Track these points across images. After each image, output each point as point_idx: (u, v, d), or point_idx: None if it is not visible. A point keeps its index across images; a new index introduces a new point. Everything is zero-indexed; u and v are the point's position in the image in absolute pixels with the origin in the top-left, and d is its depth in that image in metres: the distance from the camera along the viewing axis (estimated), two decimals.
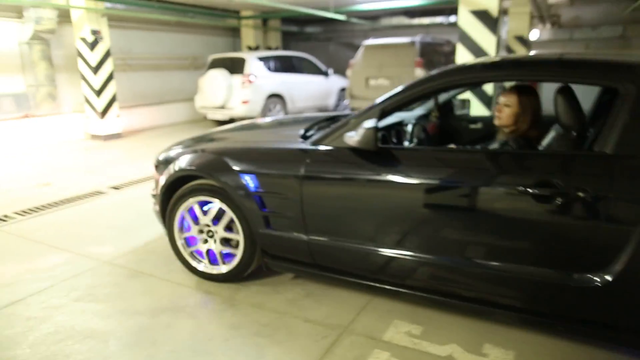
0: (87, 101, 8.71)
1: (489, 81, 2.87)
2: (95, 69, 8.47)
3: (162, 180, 2.86)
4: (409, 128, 2.94)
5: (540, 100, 2.39)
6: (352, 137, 2.17)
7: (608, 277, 1.76)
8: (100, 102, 8.62)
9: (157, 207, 3.00)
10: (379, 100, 2.31)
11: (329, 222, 2.34)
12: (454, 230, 2.09)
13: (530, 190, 1.84)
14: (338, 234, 2.33)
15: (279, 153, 2.52)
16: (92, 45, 8.34)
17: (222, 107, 9.62)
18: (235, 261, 2.71)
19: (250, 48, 12.91)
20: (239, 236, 2.65)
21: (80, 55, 8.52)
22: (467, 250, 2.06)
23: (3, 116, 8.37)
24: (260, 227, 2.50)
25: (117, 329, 2.43)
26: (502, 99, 2.40)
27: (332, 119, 3.11)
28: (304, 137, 2.60)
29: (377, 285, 2.34)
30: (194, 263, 2.86)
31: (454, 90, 3.05)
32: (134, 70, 10.75)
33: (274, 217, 2.47)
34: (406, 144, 2.90)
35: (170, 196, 2.84)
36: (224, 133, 3.22)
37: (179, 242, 2.86)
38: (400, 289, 2.29)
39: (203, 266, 2.84)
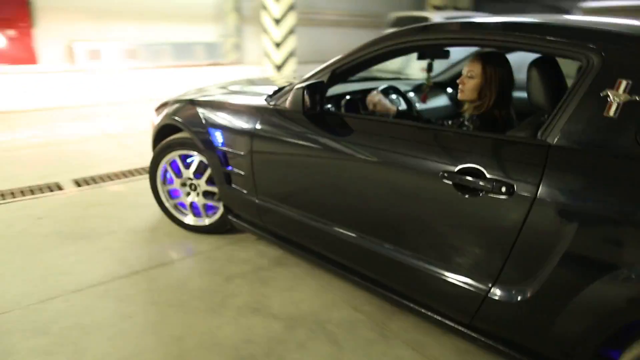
0: (266, 54, 8.83)
1: (448, 45, 2.23)
2: (278, 22, 8.45)
3: (155, 124, 2.98)
4: (393, 96, 2.74)
5: (511, 72, 2.00)
6: (286, 98, 2.12)
7: (528, 293, 1.48)
8: (279, 56, 8.65)
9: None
10: (331, 60, 2.10)
11: (269, 183, 2.32)
12: (373, 208, 1.91)
13: (451, 178, 1.58)
14: (276, 196, 2.31)
15: (238, 109, 2.47)
16: None
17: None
18: (217, 214, 2.76)
19: (436, 7, 11.75)
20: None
21: (264, 7, 8.56)
22: (384, 233, 1.90)
23: (196, 62, 9.00)
24: (223, 184, 2.52)
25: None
26: (465, 69, 2.04)
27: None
28: (271, 96, 2.42)
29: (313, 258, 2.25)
30: (178, 215, 2.90)
31: (413, 53, 2.26)
32: (315, 26, 10.61)
33: (233, 175, 2.47)
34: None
35: (158, 143, 2.93)
36: (218, 87, 3.09)
37: (162, 194, 2.91)
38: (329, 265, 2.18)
39: (188, 218, 2.87)
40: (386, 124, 1.96)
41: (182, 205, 2.87)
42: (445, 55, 2.46)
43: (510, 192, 1.45)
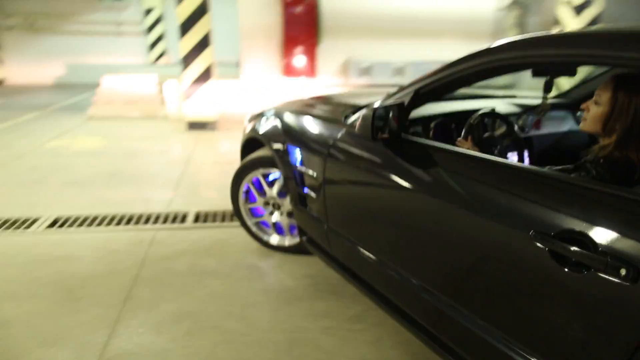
0: None
1: (578, 63, 1.54)
2: None
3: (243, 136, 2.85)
4: (501, 123, 2.15)
5: None
6: (355, 120, 1.89)
7: None
8: None
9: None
10: (416, 78, 1.75)
11: (339, 211, 2.06)
12: (441, 259, 1.55)
13: (545, 242, 1.17)
14: (345, 227, 2.04)
15: (315, 126, 2.26)
16: (579, 10, 6.85)
17: None
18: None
19: None
20: None
21: (558, 22, 7.23)
22: (460, 295, 1.50)
23: None
24: (297, 205, 2.34)
25: None
26: (595, 94, 1.51)
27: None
28: (348, 116, 2.15)
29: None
30: (260, 234, 2.75)
31: (522, 70, 1.63)
32: None
33: (307, 197, 2.25)
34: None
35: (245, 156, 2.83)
36: (309, 100, 2.83)
37: (244, 212, 2.74)
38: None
39: (272, 238, 2.73)
40: (477, 160, 1.52)
41: (265, 224, 2.75)
42: (572, 72, 1.88)
43: (633, 277, 1.01)
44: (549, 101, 2.18)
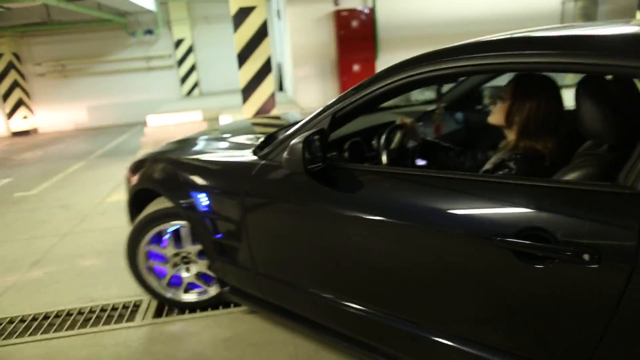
0: None
1: (482, 72, 1.71)
2: None
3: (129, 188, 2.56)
4: (383, 137, 2.08)
5: (559, 99, 1.61)
6: (284, 156, 1.67)
7: None
8: None
9: None
10: (328, 104, 1.76)
11: (270, 252, 1.99)
12: (396, 282, 1.57)
13: (508, 244, 1.22)
14: (281, 268, 1.96)
15: (222, 166, 2.17)
16: None
17: None
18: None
19: None
20: None
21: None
22: (427, 314, 1.54)
23: None
24: (214, 255, 2.18)
25: None
26: (503, 91, 1.73)
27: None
28: (261, 147, 2.10)
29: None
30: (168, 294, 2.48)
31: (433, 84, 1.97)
32: None
33: (224, 244, 2.12)
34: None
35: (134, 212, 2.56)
36: (201, 138, 2.67)
37: (146, 274, 2.45)
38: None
39: (188, 296, 2.50)
40: (412, 176, 1.57)
41: (176, 282, 2.45)
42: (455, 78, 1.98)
43: (595, 259, 1.11)
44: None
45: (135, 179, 2.49)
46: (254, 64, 5.41)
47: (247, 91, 5.48)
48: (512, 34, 1.50)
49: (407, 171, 1.65)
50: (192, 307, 2.48)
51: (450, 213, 1.37)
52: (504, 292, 1.32)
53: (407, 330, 1.56)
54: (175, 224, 2.31)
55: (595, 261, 1.10)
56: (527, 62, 1.31)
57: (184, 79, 11.39)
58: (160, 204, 2.34)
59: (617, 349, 1.16)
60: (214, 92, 11.35)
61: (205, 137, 2.72)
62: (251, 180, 1.91)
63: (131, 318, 2.47)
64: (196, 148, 2.48)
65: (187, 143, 2.62)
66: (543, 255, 1.18)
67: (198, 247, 2.32)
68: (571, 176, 1.34)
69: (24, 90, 10.91)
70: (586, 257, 1.11)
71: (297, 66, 7.14)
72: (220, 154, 2.31)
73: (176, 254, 2.38)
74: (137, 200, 2.53)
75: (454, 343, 1.45)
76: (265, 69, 5.50)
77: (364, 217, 1.56)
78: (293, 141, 1.61)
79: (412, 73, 1.53)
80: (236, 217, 1.99)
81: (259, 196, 1.90)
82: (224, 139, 2.66)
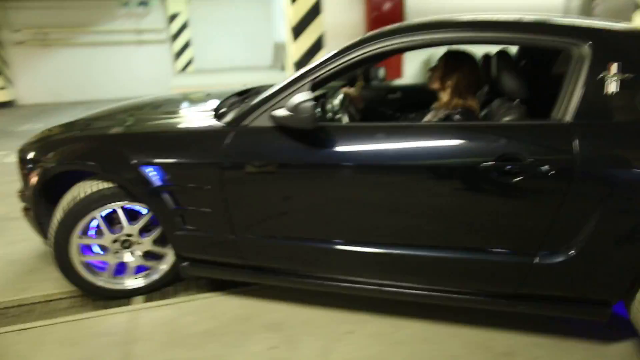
0: None
1: (434, 44, 1.99)
2: None
3: (35, 178, 2.30)
4: (336, 101, 2.49)
5: (477, 66, 2.22)
6: (284, 114, 1.83)
7: (572, 252, 1.75)
8: None
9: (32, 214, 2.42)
10: (303, 70, 2.00)
11: (256, 215, 2.05)
12: (409, 215, 1.91)
13: (494, 166, 1.72)
14: (268, 228, 2.07)
15: (186, 136, 2.17)
16: None
17: None
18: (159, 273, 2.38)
19: None
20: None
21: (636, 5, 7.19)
22: (425, 237, 1.92)
23: None
24: (174, 229, 2.13)
25: None
26: (437, 61, 2.28)
27: (241, 94, 2.72)
28: (217, 116, 2.21)
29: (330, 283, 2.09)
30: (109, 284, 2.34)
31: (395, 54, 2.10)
32: None
33: (189, 216, 2.11)
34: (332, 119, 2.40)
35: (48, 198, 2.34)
36: (117, 113, 2.66)
37: (79, 266, 2.27)
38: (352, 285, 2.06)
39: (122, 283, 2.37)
40: (405, 127, 2.04)
41: (101, 268, 2.33)
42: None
43: (550, 170, 1.68)
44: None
45: (47, 161, 2.25)
46: (308, 38, 5.45)
47: (300, 65, 5.52)
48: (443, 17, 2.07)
49: (395, 124, 2.20)
50: (141, 292, 2.37)
51: (442, 151, 1.84)
52: (487, 204, 1.81)
53: (415, 254, 1.93)
54: (109, 207, 2.19)
55: (550, 171, 1.67)
56: (449, 37, 1.89)
57: (177, 55, 11.01)
58: (93, 186, 2.17)
59: (560, 234, 1.75)
60: (208, 70, 11.08)
61: (125, 111, 2.68)
62: (228, 147, 1.97)
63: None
64: (130, 122, 2.44)
65: (107, 119, 2.59)
66: (516, 172, 1.70)
67: (138, 225, 2.24)
68: (508, 119, 1.93)
69: (0, 58, 10.09)
70: (545, 168, 1.67)
71: (326, 45, 7.21)
72: (170, 124, 2.36)
73: (115, 240, 2.26)
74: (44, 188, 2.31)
75: (448, 254, 1.90)
76: (317, 45, 5.55)
77: (367, 164, 1.87)
78: (297, 101, 1.78)
79: (381, 45, 1.91)
80: (209, 185, 2.01)
81: (242, 161, 1.96)
82: (156, 111, 2.69)
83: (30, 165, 2.34)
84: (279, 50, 10.44)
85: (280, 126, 1.90)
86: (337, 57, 1.95)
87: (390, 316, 2.17)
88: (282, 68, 10.01)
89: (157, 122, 2.44)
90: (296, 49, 5.46)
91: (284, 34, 5.74)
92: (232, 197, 2.00)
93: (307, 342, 2.02)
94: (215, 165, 1.98)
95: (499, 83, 2.05)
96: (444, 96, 2.25)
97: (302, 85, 1.95)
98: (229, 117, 2.09)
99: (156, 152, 2.10)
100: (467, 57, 2.24)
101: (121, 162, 2.10)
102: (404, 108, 2.91)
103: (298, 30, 5.40)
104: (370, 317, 2.17)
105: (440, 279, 1.97)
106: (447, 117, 2.14)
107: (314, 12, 5.40)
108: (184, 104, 2.90)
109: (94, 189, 2.16)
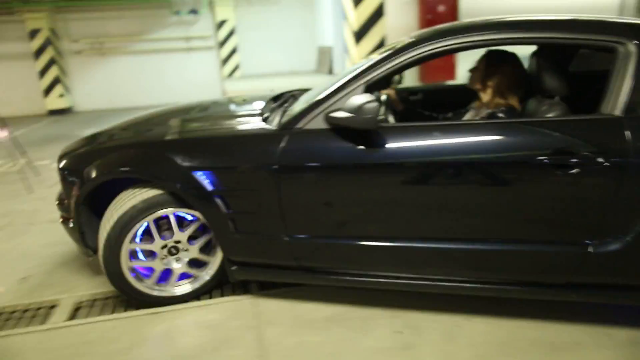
0: None
1: (486, 45, 2.05)
2: None
3: (79, 187, 2.27)
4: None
5: (519, 65, 2.25)
6: (345, 116, 1.87)
7: (628, 239, 1.81)
8: None
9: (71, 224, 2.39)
10: (355, 72, 2.02)
11: (312, 216, 2.07)
12: (470, 210, 1.95)
13: (549, 160, 1.80)
14: (324, 229, 2.08)
15: (237, 141, 2.15)
16: None
17: None
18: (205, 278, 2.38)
19: None
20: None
21: None
22: (487, 231, 1.97)
23: None
24: (227, 233, 2.14)
25: None
26: (476, 62, 2.34)
27: (276, 99, 2.78)
28: (263, 121, 2.27)
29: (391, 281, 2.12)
30: (157, 292, 2.33)
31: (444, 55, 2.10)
32: None
33: (240, 219, 2.13)
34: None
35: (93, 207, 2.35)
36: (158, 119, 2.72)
37: (129, 276, 2.25)
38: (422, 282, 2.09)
39: (181, 288, 2.36)
40: (456, 126, 2.00)
41: (165, 277, 2.32)
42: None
43: (605, 161, 1.75)
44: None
45: (94, 170, 2.21)
46: (370, 42, 5.56)
47: None
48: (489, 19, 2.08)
49: (452, 123, 2.09)
50: (185, 299, 2.35)
51: (500, 146, 1.87)
52: (543, 197, 1.86)
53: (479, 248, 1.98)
54: (160, 214, 2.17)
55: (604, 163, 1.75)
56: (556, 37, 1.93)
57: (225, 61, 11.32)
58: (143, 193, 2.17)
59: (615, 223, 1.81)
60: (253, 75, 11.34)
61: (166, 117, 2.70)
62: (285, 150, 2.00)
63: None
64: (177, 128, 2.43)
65: (149, 124, 2.62)
66: (572, 164, 1.77)
67: (188, 232, 2.25)
68: (553, 115, 1.96)
69: (60, 67, 10.61)
70: (600, 160, 1.75)
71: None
72: (221, 128, 2.35)
73: (163, 246, 2.25)
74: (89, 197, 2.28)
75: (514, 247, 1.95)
76: (379, 48, 5.65)
77: (429, 161, 1.91)
78: (360, 102, 1.82)
79: (439, 45, 1.96)
80: (264, 187, 2.02)
81: (299, 163, 1.99)
82: (200, 116, 2.70)
83: (74, 175, 2.29)
84: (323, 54, 10.60)
85: (337, 128, 1.95)
86: (392, 57, 1.98)
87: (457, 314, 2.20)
88: (330, 72, 10.16)
89: (206, 126, 2.47)
90: (358, 53, 5.57)
91: (347, 37, 5.84)
92: (288, 199, 2.02)
93: (429, 329, 2.11)
94: (272, 168, 2.00)
95: (540, 81, 2.08)
96: (485, 96, 2.29)
97: (357, 87, 1.98)
98: (278, 121, 2.16)
99: (209, 157, 2.11)
100: (509, 56, 2.25)
101: (174, 169, 2.09)
102: (432, 109, 2.89)
103: (360, 34, 5.51)
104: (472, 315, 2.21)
105: (502, 271, 2.01)
106: (492, 116, 2.17)
107: (376, 15, 5.50)
108: (228, 108, 2.92)
109: (146, 196, 2.16)
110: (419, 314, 2.20)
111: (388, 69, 1.98)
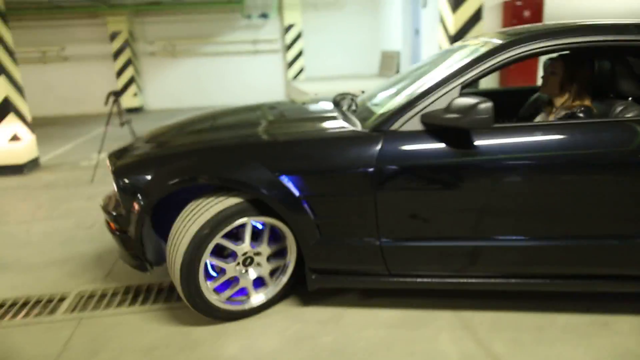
0: None
1: (587, 47, 2.02)
2: None
3: (140, 195, 2.08)
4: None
5: (593, 69, 2.33)
6: (453, 117, 1.83)
7: None
8: None
9: (132, 230, 2.14)
10: (447, 73, 2.00)
11: (412, 219, 2.01)
12: (572, 206, 1.98)
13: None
14: (425, 232, 2.03)
15: (327, 143, 2.05)
16: None
17: None
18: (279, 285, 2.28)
19: None
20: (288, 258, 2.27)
21: None
22: (588, 226, 2.01)
23: None
24: (313, 239, 2.05)
25: None
26: (549, 68, 2.33)
27: (337, 103, 2.64)
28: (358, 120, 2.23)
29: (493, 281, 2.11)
30: (231, 306, 2.20)
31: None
32: None
33: (327, 225, 2.05)
34: None
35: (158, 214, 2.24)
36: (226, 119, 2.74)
37: (207, 292, 2.10)
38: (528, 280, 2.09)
39: (247, 302, 2.24)
40: (557, 126, 2.01)
41: (243, 291, 2.22)
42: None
43: None
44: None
45: (161, 178, 2.05)
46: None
47: None
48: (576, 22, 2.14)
49: (555, 123, 2.06)
50: (261, 309, 2.26)
51: (599, 143, 1.94)
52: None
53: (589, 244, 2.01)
54: (238, 223, 2.04)
55: None
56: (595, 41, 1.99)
57: (290, 64, 11.59)
58: (224, 201, 2.02)
59: None
60: (317, 78, 11.57)
61: (229, 119, 2.67)
62: (381, 153, 1.94)
63: None
64: (251, 131, 2.33)
65: (222, 126, 2.55)
66: None
67: (264, 243, 2.15)
68: (632, 115, 2.05)
69: (135, 68, 11.10)
70: None
71: None
72: (305, 131, 2.24)
73: (245, 256, 2.14)
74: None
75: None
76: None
77: (539, 160, 1.93)
78: (471, 102, 1.78)
79: (528, 48, 1.95)
80: (358, 191, 1.96)
81: (399, 166, 1.94)
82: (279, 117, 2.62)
83: (134, 182, 2.09)
84: (387, 58, 10.73)
85: (436, 129, 1.93)
86: (489, 58, 1.96)
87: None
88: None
89: (286, 128, 2.36)
90: None
91: (440, 41, 5.94)
92: (384, 203, 1.96)
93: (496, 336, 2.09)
94: (368, 171, 1.94)
95: (614, 82, 2.22)
96: (560, 99, 2.34)
97: (453, 88, 1.95)
98: (363, 123, 2.12)
99: (299, 160, 2.03)
100: (585, 59, 2.31)
101: (260, 174, 1.98)
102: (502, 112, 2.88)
103: (456, 38, 5.60)
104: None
105: (598, 266, 2.06)
106: (571, 116, 2.24)
107: (474, 20, 5.60)
108: (298, 109, 2.88)
109: (228, 204, 2.02)
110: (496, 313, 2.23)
111: (485, 69, 1.95)
